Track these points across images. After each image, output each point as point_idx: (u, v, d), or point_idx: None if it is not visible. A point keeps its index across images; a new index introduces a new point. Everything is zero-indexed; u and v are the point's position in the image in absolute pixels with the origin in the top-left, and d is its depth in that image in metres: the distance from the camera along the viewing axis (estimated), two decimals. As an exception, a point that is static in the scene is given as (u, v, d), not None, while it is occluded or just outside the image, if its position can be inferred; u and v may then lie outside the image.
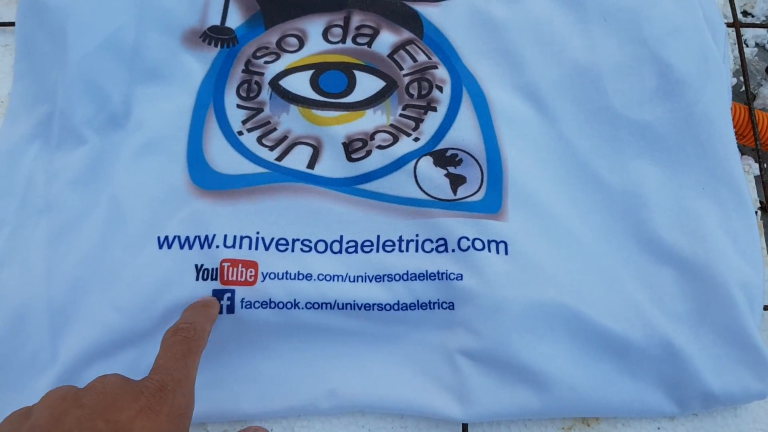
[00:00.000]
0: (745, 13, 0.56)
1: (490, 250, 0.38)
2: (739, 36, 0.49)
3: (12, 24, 0.48)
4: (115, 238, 0.39)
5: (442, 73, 0.44)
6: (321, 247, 0.39)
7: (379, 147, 0.41)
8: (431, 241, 0.39)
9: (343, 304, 0.38)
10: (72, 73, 0.42)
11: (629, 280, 0.40)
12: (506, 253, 0.38)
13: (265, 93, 0.44)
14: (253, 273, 0.38)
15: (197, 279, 0.38)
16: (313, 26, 0.46)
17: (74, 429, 0.25)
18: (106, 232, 0.39)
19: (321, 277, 0.38)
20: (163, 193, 0.40)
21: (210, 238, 0.39)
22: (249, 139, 0.42)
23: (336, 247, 0.39)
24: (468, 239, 0.38)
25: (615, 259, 0.40)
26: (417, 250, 0.39)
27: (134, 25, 0.43)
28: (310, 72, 0.44)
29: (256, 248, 0.39)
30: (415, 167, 0.41)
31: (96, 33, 0.43)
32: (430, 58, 0.44)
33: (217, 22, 0.45)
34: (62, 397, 0.27)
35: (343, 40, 0.45)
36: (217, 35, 0.45)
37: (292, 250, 0.39)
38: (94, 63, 0.42)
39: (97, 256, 0.39)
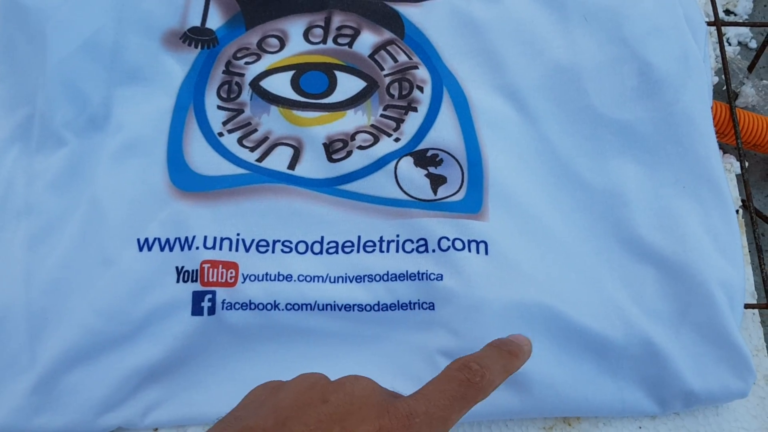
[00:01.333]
0: (727, 12, 0.57)
1: (470, 250, 0.38)
2: (720, 35, 0.49)
3: (-8, 26, 0.48)
4: (95, 241, 0.39)
5: (422, 73, 0.44)
6: (302, 248, 0.39)
7: (360, 147, 0.41)
8: (412, 242, 0.39)
9: (323, 304, 0.38)
10: (51, 76, 0.42)
11: (609, 279, 0.40)
12: (486, 253, 0.38)
13: (246, 94, 0.43)
14: (233, 274, 0.38)
15: (178, 281, 0.38)
16: (294, 27, 0.46)
17: (311, 425, 0.24)
18: (86, 234, 0.39)
19: (301, 278, 0.38)
20: (142, 195, 0.40)
21: (190, 239, 0.39)
22: (229, 141, 0.42)
23: (317, 248, 0.39)
24: (448, 239, 0.38)
25: (595, 259, 0.40)
26: (398, 251, 0.39)
27: (114, 27, 0.43)
28: (291, 73, 0.44)
29: (237, 249, 0.39)
30: (395, 167, 0.41)
31: (75, 35, 0.42)
32: (410, 59, 0.44)
33: (197, 23, 0.45)
34: (312, 385, 0.26)
35: (324, 41, 0.45)
36: (197, 36, 0.45)
37: (273, 251, 0.39)
38: (73, 65, 0.42)
39: (77, 259, 0.38)
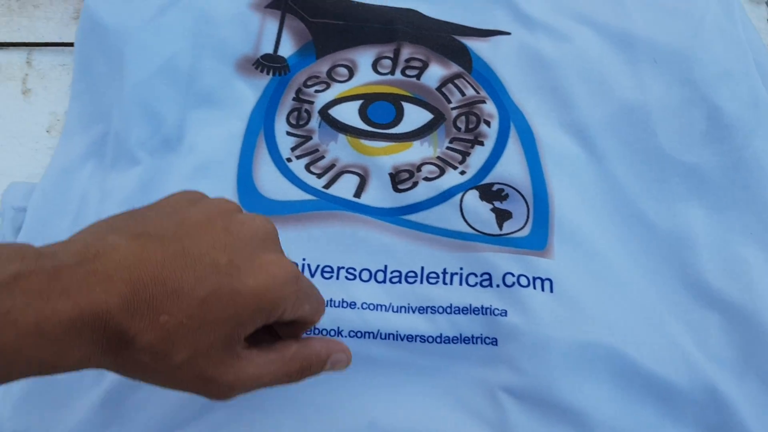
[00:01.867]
0: (791, 56, 0.56)
1: (535, 287, 0.38)
2: (787, 80, 0.49)
3: (71, 44, 0.49)
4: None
5: (490, 107, 0.44)
6: (365, 275, 0.40)
7: (426, 179, 0.42)
8: (475, 275, 0.39)
9: (385, 334, 0.38)
10: (128, 96, 0.43)
11: (674, 323, 0.39)
12: (551, 290, 0.38)
13: (315, 121, 0.44)
14: (298, 299, 0.39)
15: (244, 303, 0.38)
16: (363, 57, 0.46)
17: (203, 248, 0.25)
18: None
19: (365, 305, 0.39)
20: None
21: None
22: (297, 166, 0.43)
23: (380, 276, 0.40)
24: (513, 275, 0.39)
25: (660, 302, 0.40)
26: (461, 284, 0.39)
27: (190, 52, 0.45)
28: (359, 102, 0.45)
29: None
30: (461, 200, 0.41)
31: (153, 58, 0.44)
32: (478, 93, 0.45)
33: (270, 50, 0.46)
34: (222, 212, 0.27)
35: (392, 72, 0.46)
36: (269, 63, 0.46)
37: (337, 278, 0.40)
38: (150, 87, 0.44)
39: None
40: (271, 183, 0.42)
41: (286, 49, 0.47)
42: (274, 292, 0.26)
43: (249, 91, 0.45)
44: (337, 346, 0.31)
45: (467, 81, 0.45)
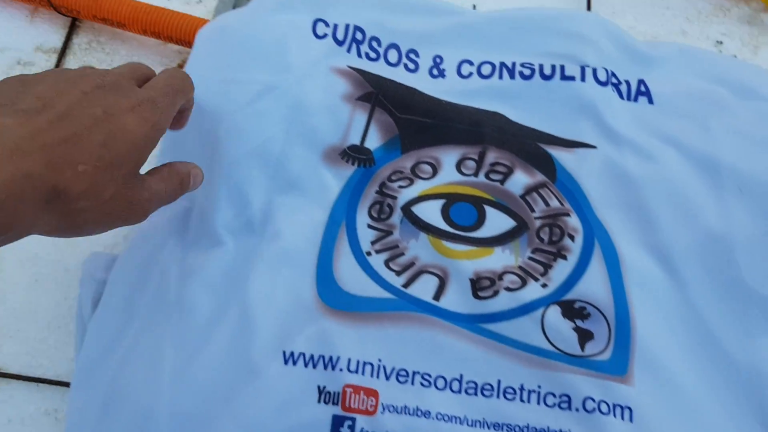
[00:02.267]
0: None
1: (615, 416, 0.38)
2: None
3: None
4: (242, 348, 0.39)
5: (574, 221, 0.44)
6: (440, 383, 0.39)
7: (507, 288, 0.42)
8: (554, 396, 0.39)
9: (460, 449, 0.37)
10: (218, 176, 0.44)
11: (751, 463, 0.39)
12: (631, 420, 0.38)
13: (396, 217, 0.45)
14: (373, 402, 0.38)
15: (319, 401, 0.38)
16: (448, 156, 0.47)
17: (74, 109, 0.30)
18: (234, 340, 0.40)
19: (439, 416, 0.38)
20: (292, 306, 0.41)
21: (334, 359, 0.39)
22: (377, 261, 0.43)
23: (455, 385, 0.39)
24: (594, 401, 0.38)
25: (737, 438, 0.39)
26: (539, 403, 0.39)
27: (282, 138, 0.45)
28: (442, 201, 0.45)
29: (378, 376, 0.39)
30: (542, 315, 0.41)
31: (247, 141, 0.45)
32: (562, 205, 0.45)
33: (356, 141, 0.47)
34: (68, 80, 0.31)
35: (476, 174, 0.46)
36: (355, 154, 0.46)
37: (412, 383, 0.39)
38: (241, 169, 0.44)
39: (223, 365, 0.39)
40: (350, 276, 0.42)
41: (373, 142, 0.47)
42: (150, 122, 0.32)
43: (333, 181, 0.46)
44: (191, 165, 0.38)
45: (551, 191, 0.45)
